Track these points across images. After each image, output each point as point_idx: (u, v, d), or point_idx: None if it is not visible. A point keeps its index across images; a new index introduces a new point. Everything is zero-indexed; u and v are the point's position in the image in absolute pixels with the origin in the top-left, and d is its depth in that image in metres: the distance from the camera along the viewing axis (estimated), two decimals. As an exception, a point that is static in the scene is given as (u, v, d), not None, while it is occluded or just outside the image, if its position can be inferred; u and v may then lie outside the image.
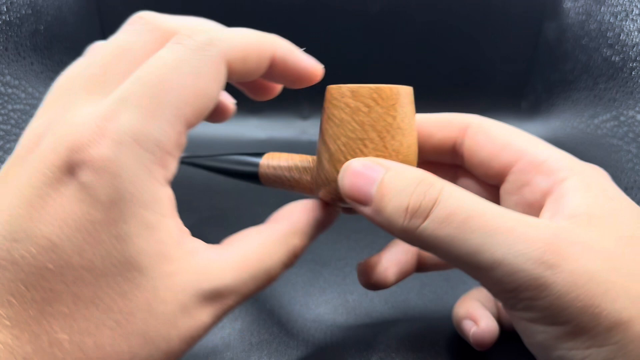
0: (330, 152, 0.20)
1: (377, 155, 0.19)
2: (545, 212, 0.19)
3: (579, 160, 0.21)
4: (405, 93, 0.20)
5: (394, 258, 0.26)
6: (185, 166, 0.29)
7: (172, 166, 0.17)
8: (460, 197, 0.17)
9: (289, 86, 0.22)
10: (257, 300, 0.30)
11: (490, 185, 0.24)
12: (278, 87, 0.24)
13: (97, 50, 0.20)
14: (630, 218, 0.18)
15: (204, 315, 0.17)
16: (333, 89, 0.20)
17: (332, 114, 0.20)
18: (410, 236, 0.18)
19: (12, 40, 0.37)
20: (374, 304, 0.29)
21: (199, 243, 0.18)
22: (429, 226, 0.17)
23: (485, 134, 0.22)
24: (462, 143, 0.23)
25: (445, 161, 0.24)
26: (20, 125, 0.38)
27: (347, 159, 0.20)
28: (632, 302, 0.15)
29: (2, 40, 0.36)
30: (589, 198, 0.18)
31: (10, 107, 0.36)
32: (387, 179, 0.18)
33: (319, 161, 0.21)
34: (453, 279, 0.32)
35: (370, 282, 0.25)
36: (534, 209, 0.21)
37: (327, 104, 0.20)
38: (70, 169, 0.16)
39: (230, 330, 0.27)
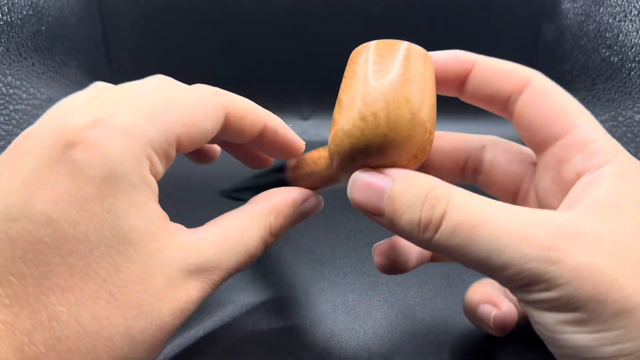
0: (342, 105, 0.20)
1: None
2: (570, 195, 0.19)
3: (625, 151, 0.20)
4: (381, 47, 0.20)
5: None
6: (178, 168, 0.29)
7: (159, 167, 0.19)
8: (465, 207, 0.18)
9: (272, 156, 0.26)
10: (257, 299, 0.30)
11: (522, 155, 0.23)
12: (270, 160, 0.28)
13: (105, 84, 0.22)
14: None
15: (190, 288, 0.19)
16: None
17: (346, 70, 0.21)
18: (426, 245, 0.19)
19: (13, 41, 0.37)
20: (374, 303, 0.30)
21: (180, 226, 0.20)
22: (441, 237, 0.18)
23: (543, 95, 0.21)
24: (516, 99, 0.21)
25: (493, 111, 0.23)
26: (21, 125, 0.38)
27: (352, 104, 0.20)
28: (639, 289, 0.16)
29: (3, 41, 0.36)
30: (617, 187, 0.18)
31: (12, 107, 0.37)
32: (396, 192, 0.19)
33: (333, 125, 0.20)
34: (452, 277, 0.32)
35: (391, 265, 0.25)
36: (566, 188, 0.20)
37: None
38: (64, 148, 0.17)
39: (230, 329, 0.27)
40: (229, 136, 0.23)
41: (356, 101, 0.19)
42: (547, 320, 0.18)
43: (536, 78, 0.21)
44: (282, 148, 0.25)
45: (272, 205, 0.22)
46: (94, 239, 0.17)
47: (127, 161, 0.18)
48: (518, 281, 0.17)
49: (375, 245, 0.25)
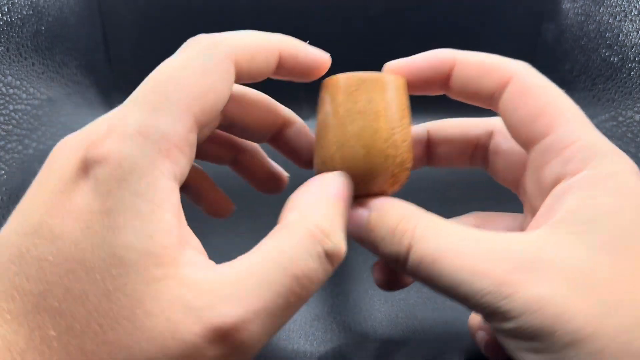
0: (314, 145, 0.22)
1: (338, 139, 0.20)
2: (544, 205, 0.19)
3: (610, 151, 0.18)
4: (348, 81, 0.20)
5: None
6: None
7: (181, 161, 0.17)
8: (429, 239, 0.18)
9: (299, 80, 0.22)
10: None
11: None
12: (283, 184, 0.27)
13: None
14: (633, 217, 0.17)
15: (206, 350, 0.15)
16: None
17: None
18: (405, 274, 0.20)
19: (13, 41, 0.37)
20: (373, 302, 0.30)
21: (196, 251, 0.17)
22: (411, 269, 0.18)
23: (525, 93, 0.20)
24: (499, 96, 0.20)
25: (483, 106, 0.22)
26: (21, 125, 0.38)
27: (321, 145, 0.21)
28: (588, 321, 0.16)
29: (3, 40, 0.36)
30: (586, 199, 0.18)
31: (11, 107, 0.37)
32: (372, 224, 0.20)
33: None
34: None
35: (390, 281, 0.25)
36: (544, 194, 0.20)
37: None
38: (85, 167, 0.16)
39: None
40: (245, 80, 0.20)
41: (317, 145, 0.21)
42: (510, 347, 0.18)
43: (519, 74, 0.20)
44: (305, 71, 0.22)
45: (304, 207, 0.18)
46: (90, 260, 0.15)
47: (136, 167, 0.16)
48: (480, 312, 0.18)
49: (374, 263, 0.25)
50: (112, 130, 0.16)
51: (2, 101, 0.36)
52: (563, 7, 0.50)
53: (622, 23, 0.43)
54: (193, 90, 0.17)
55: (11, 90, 0.37)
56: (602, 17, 0.45)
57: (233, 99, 0.23)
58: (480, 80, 0.21)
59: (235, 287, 0.15)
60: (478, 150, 0.24)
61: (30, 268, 0.15)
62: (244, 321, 0.15)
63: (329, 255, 0.17)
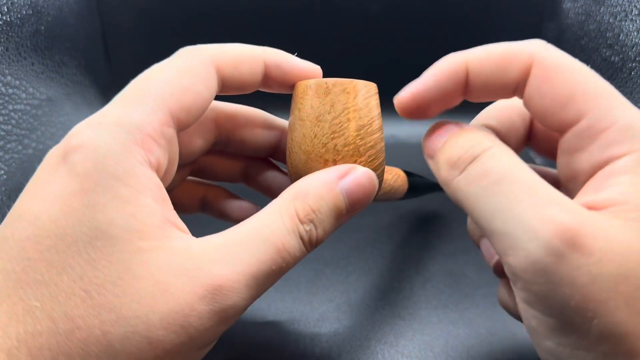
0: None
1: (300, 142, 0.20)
2: (586, 190, 0.18)
3: None
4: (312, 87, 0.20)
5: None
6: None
7: (156, 152, 0.18)
8: (501, 160, 0.17)
9: (290, 92, 0.22)
10: (261, 298, 0.30)
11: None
12: None
13: None
14: None
15: (193, 301, 0.16)
16: None
17: None
18: (447, 188, 0.19)
19: (13, 41, 0.37)
20: (377, 301, 0.30)
21: (183, 232, 0.17)
22: (462, 180, 0.18)
23: (549, 78, 0.18)
24: (524, 86, 0.19)
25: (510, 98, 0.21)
26: (21, 125, 0.38)
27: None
28: (633, 316, 0.15)
29: (3, 40, 0.36)
30: (636, 184, 0.16)
31: (11, 107, 0.36)
32: (451, 138, 0.19)
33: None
34: (455, 274, 0.32)
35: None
36: (580, 180, 0.18)
37: None
38: (64, 155, 0.17)
39: (232, 328, 0.27)
40: (232, 89, 0.21)
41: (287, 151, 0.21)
42: (531, 319, 0.17)
43: (540, 57, 0.18)
44: (294, 81, 0.22)
45: (295, 190, 0.19)
46: (71, 234, 0.16)
47: (112, 154, 0.17)
48: (509, 258, 0.16)
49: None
50: (90, 123, 0.17)
51: (1, 101, 0.35)
52: (564, 6, 0.50)
53: (623, 23, 0.43)
54: (169, 87, 0.18)
55: (10, 90, 0.36)
56: (603, 16, 0.45)
57: (226, 115, 0.24)
58: (500, 75, 0.19)
59: (224, 252, 0.17)
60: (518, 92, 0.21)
61: (12, 249, 0.16)
62: (233, 281, 0.16)
63: (303, 238, 0.18)
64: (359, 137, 0.20)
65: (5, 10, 0.36)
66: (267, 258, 0.17)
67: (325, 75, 0.22)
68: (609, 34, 0.44)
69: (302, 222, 0.18)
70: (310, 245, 0.18)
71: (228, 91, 0.21)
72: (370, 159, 0.20)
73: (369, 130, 0.20)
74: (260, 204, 0.27)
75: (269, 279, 0.17)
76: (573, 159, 0.18)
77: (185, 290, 0.16)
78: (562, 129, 0.18)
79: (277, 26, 0.51)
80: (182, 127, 0.19)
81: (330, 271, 0.33)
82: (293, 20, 0.51)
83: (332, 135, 0.19)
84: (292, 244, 0.18)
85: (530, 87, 0.18)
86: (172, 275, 0.16)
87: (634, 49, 0.42)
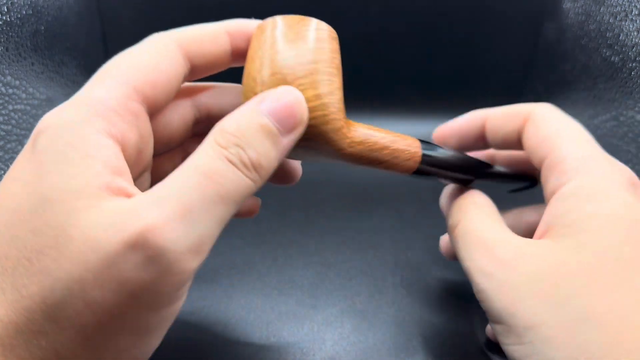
0: None
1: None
2: (546, 213, 0.22)
3: (601, 161, 0.21)
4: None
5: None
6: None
7: (119, 124, 0.18)
8: (472, 225, 0.23)
9: None
10: (263, 302, 0.30)
11: None
12: (297, 172, 0.26)
13: None
14: (605, 229, 0.19)
15: (128, 255, 0.15)
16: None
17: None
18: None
19: (12, 41, 0.37)
20: (381, 305, 0.30)
21: (126, 194, 0.17)
22: (454, 237, 0.24)
23: (534, 126, 0.24)
24: (522, 135, 0.25)
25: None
26: (21, 125, 0.38)
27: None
28: (546, 309, 0.18)
29: (3, 40, 0.36)
30: (567, 206, 0.21)
31: (11, 107, 0.36)
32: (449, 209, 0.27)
33: None
34: (460, 278, 0.32)
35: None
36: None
37: None
38: (33, 141, 0.17)
39: (236, 332, 0.27)
40: (204, 68, 0.22)
41: None
42: (493, 328, 0.21)
43: (535, 112, 0.24)
44: None
45: (217, 126, 0.18)
46: (24, 206, 0.16)
47: (67, 124, 0.17)
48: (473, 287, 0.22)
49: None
50: (56, 108, 0.18)
51: (1, 101, 0.35)
52: (564, 6, 0.50)
53: (623, 23, 0.43)
54: (132, 65, 0.19)
55: (10, 90, 0.36)
56: (603, 16, 0.45)
57: (202, 91, 0.24)
58: (505, 126, 0.25)
59: (151, 197, 0.16)
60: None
61: None
62: (162, 220, 0.15)
63: (232, 160, 0.17)
64: (287, 67, 0.19)
65: (5, 10, 0.36)
66: (195, 185, 0.16)
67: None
68: (609, 34, 0.45)
69: (224, 148, 0.17)
70: (246, 167, 0.17)
71: (202, 71, 0.22)
72: (301, 88, 0.19)
73: (302, 60, 0.19)
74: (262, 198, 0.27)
75: (207, 208, 0.16)
76: (546, 187, 0.23)
77: (114, 242, 0.15)
78: (539, 165, 0.23)
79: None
80: (151, 103, 0.20)
81: (333, 275, 0.33)
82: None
83: (259, 68, 0.19)
84: (220, 167, 0.17)
85: (524, 133, 0.24)
86: (101, 230, 0.15)
87: (634, 49, 0.42)
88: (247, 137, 0.18)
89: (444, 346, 0.27)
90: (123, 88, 0.18)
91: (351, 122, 0.22)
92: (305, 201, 0.41)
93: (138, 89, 0.19)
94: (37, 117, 0.38)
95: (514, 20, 0.52)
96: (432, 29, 0.51)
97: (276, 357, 0.26)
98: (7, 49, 0.36)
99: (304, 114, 0.19)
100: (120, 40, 0.52)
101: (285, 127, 0.19)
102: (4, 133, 0.35)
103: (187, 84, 0.24)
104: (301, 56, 0.20)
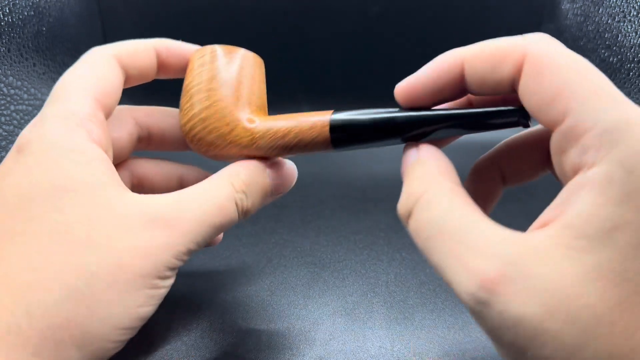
0: None
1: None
2: (556, 201, 0.17)
3: (632, 136, 0.15)
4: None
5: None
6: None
7: (95, 132, 0.21)
8: (430, 210, 0.18)
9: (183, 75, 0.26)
10: (256, 301, 0.30)
11: None
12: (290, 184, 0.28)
13: None
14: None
15: (154, 236, 0.19)
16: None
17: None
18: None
19: (14, 42, 0.37)
20: (373, 305, 0.30)
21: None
22: (410, 231, 0.19)
23: (536, 74, 0.17)
24: (518, 82, 0.18)
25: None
26: (22, 125, 0.38)
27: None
28: (563, 348, 0.14)
29: (5, 41, 0.36)
30: (597, 206, 0.15)
31: (13, 107, 0.37)
32: (410, 170, 0.20)
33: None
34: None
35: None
36: (565, 181, 0.17)
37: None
38: (17, 153, 0.20)
39: (228, 331, 0.28)
40: (135, 77, 0.25)
41: None
42: (494, 345, 0.17)
43: (532, 52, 0.18)
44: (183, 62, 0.26)
45: (232, 167, 0.23)
46: (30, 191, 0.19)
47: (57, 135, 0.20)
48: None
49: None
50: (31, 125, 0.21)
51: (3, 102, 0.36)
52: (562, 7, 0.50)
53: (621, 24, 0.43)
54: (87, 79, 0.22)
55: (12, 91, 0.37)
56: (601, 17, 0.45)
57: (143, 112, 0.27)
58: (494, 72, 0.18)
59: (175, 199, 0.21)
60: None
61: None
62: (181, 220, 0.20)
63: (237, 204, 0.22)
64: (186, 93, 0.24)
65: (7, 11, 0.37)
66: (212, 212, 0.21)
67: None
68: (607, 35, 0.45)
69: (236, 191, 0.22)
70: (243, 213, 0.23)
71: (133, 80, 0.25)
72: (186, 110, 0.24)
73: (188, 87, 0.24)
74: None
75: (209, 232, 0.21)
76: (561, 160, 0.17)
77: (148, 229, 0.19)
78: (551, 128, 0.17)
79: (276, 27, 0.51)
80: (107, 111, 0.23)
81: (327, 275, 0.33)
82: (292, 21, 0.51)
83: (190, 101, 0.24)
84: (230, 206, 0.22)
85: (522, 84, 0.18)
86: (134, 218, 0.19)
87: (632, 50, 0.42)
88: (252, 190, 0.23)
89: (437, 346, 0.27)
90: (88, 99, 0.21)
91: (266, 117, 0.24)
92: (300, 202, 0.41)
93: (98, 99, 0.22)
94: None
95: (512, 20, 0.52)
96: (431, 30, 0.51)
97: (267, 357, 0.26)
98: (9, 50, 0.37)
99: (293, 183, 0.26)
100: (120, 41, 0.52)
101: (277, 191, 0.25)
102: (6, 133, 0.36)
103: (130, 106, 0.27)
104: (189, 83, 0.24)
